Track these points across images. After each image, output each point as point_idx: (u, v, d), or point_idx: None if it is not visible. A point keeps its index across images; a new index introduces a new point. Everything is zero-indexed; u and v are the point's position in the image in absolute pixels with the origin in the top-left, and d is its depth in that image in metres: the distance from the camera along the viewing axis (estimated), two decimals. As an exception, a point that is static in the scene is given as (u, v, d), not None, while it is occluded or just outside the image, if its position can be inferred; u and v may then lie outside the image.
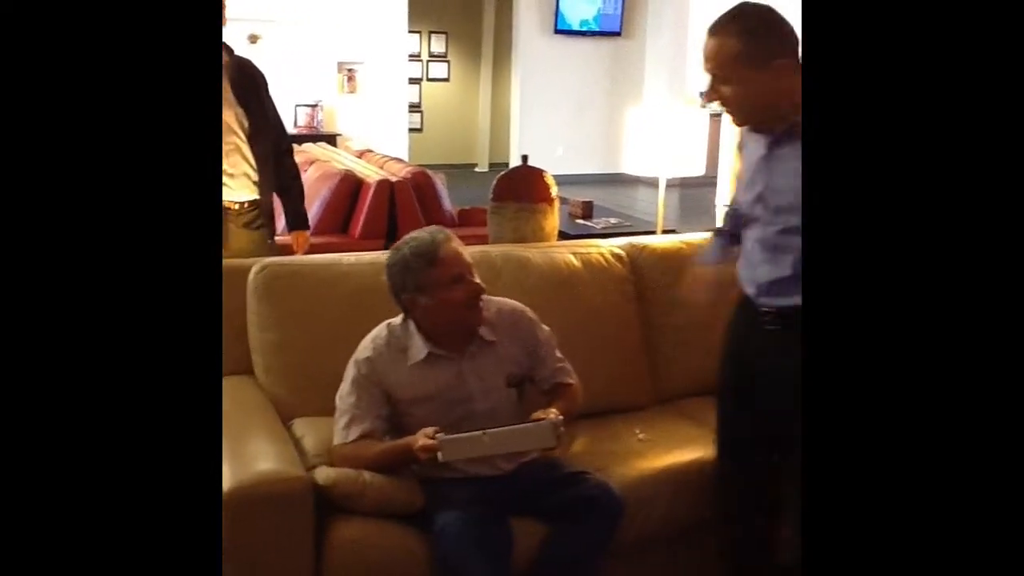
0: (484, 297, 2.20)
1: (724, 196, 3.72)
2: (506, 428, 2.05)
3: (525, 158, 3.19)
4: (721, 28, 1.86)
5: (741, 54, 1.83)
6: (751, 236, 2.04)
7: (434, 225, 2.28)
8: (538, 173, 3.08)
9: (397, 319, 2.22)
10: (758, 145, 1.98)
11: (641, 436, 2.56)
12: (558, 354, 2.34)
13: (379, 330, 2.21)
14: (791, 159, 1.86)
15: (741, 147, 2.12)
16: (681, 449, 2.46)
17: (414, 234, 2.19)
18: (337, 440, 2.14)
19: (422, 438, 2.00)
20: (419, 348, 2.16)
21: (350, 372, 2.17)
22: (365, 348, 2.19)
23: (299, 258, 2.58)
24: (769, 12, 1.87)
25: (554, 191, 3.09)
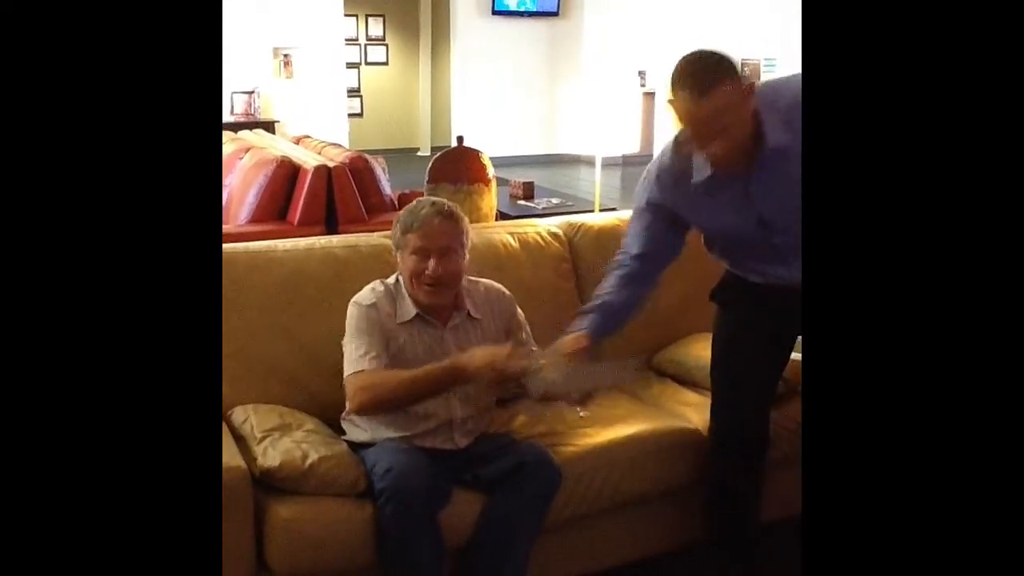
0: (471, 278, 2.30)
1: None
2: (594, 364, 2.12)
3: (460, 139, 3.19)
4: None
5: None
6: (772, 245, 2.11)
7: (444, 201, 2.26)
8: (473, 154, 3.07)
9: (391, 278, 2.28)
10: (733, 187, 2.03)
11: (582, 413, 2.58)
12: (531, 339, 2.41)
13: (375, 284, 2.26)
14: (776, 181, 1.96)
15: (690, 195, 2.14)
16: (621, 424, 2.49)
17: (430, 200, 2.25)
18: (353, 368, 2.13)
19: (513, 357, 2.02)
20: (408, 309, 2.21)
21: (356, 315, 2.19)
22: (367, 296, 2.22)
23: (233, 245, 2.54)
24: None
25: (490, 171, 3.09)
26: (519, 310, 2.40)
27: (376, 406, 2.12)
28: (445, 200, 2.27)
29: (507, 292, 2.39)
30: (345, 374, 2.15)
